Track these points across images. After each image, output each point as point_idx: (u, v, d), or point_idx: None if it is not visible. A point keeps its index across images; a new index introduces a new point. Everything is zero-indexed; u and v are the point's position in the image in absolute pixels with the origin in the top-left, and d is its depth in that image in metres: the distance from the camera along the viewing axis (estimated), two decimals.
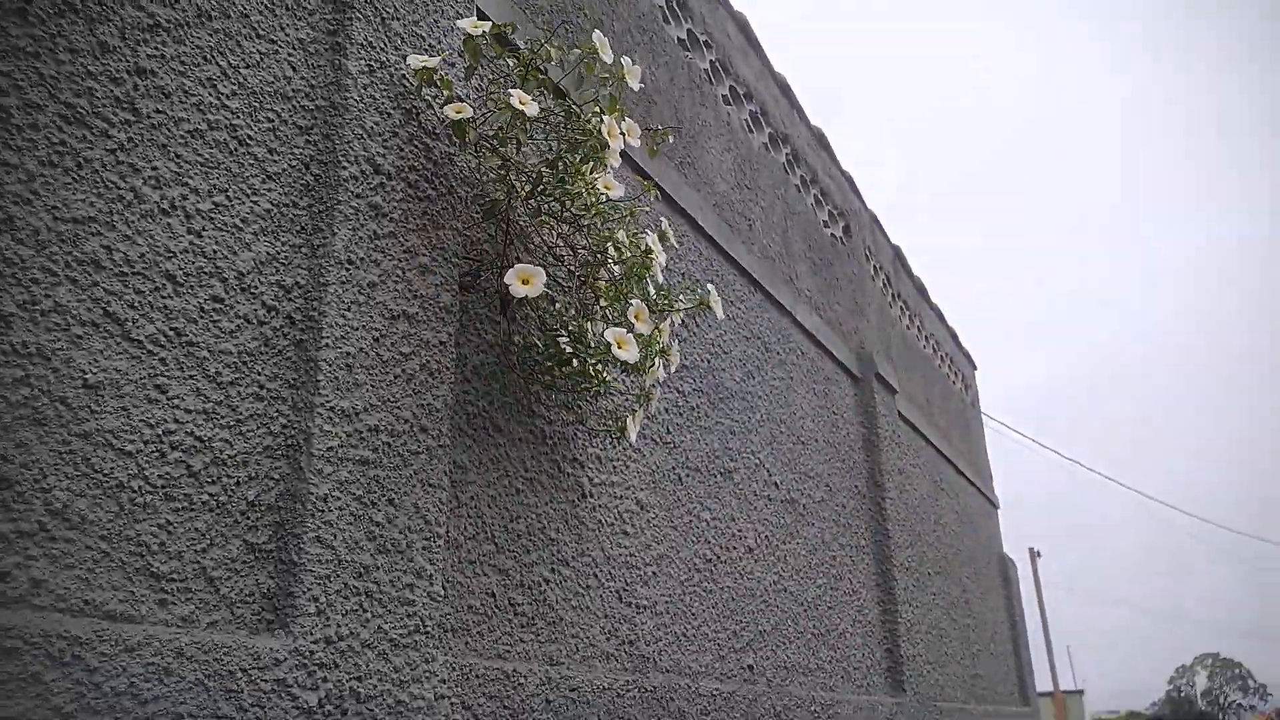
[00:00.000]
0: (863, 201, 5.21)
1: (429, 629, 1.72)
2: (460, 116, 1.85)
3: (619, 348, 1.82)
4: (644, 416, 2.33)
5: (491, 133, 1.88)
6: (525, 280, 1.82)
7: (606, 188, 1.86)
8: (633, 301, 1.97)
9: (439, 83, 1.87)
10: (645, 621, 2.50)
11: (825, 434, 4.07)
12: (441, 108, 1.92)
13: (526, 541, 2.13)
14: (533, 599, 2.11)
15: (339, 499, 1.59)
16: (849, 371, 4.50)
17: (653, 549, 2.61)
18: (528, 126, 1.86)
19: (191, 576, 1.41)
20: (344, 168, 1.74)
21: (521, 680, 1.94)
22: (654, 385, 2.30)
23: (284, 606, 1.49)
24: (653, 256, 2.02)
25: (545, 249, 2.21)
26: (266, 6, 1.70)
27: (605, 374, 1.94)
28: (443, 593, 1.80)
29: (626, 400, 2.52)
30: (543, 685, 2.00)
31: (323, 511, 1.56)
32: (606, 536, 2.42)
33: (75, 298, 1.32)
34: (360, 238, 1.74)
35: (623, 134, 1.93)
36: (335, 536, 1.57)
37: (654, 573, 2.59)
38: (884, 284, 5.46)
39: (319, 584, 1.53)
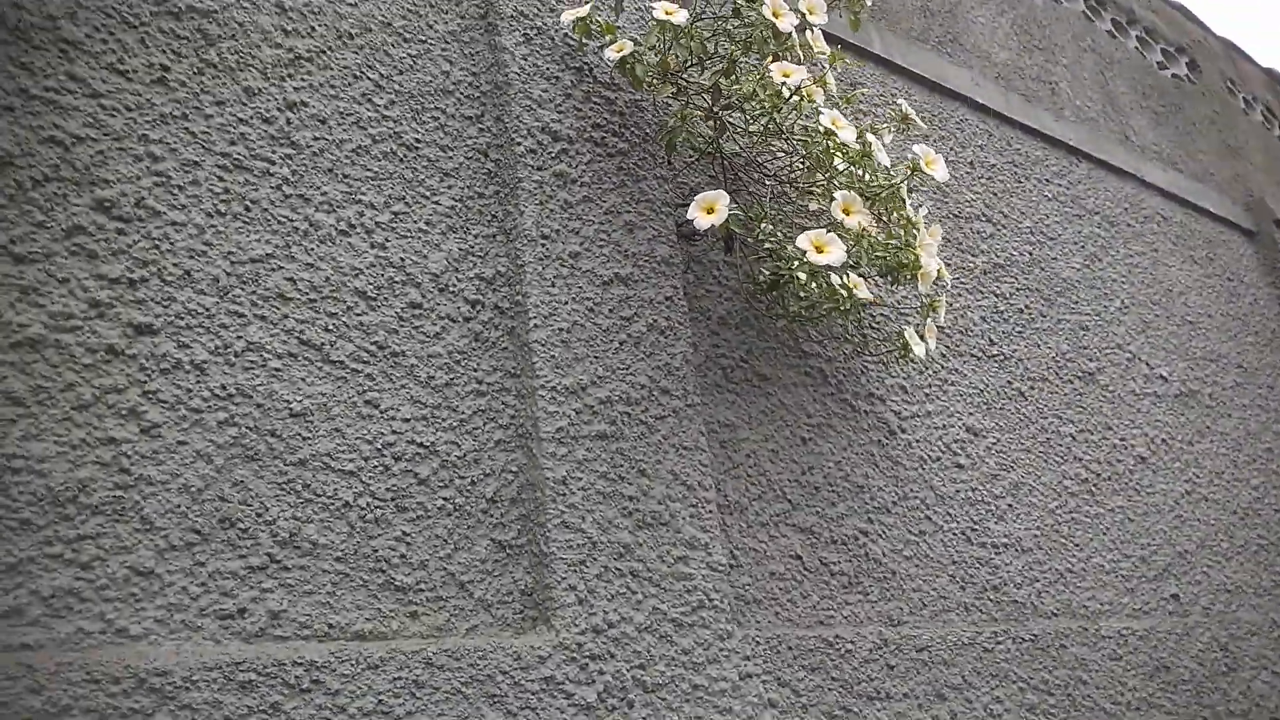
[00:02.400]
0: (1206, 29, 4.31)
1: (717, 603, 1.56)
2: (621, 54, 1.70)
3: (817, 252, 1.54)
4: (936, 328, 2.01)
5: (656, 59, 1.71)
6: (709, 209, 1.61)
7: (785, 75, 1.60)
8: (836, 195, 1.67)
9: (600, 29, 1.74)
10: (1009, 562, 2.15)
11: (1220, 307, 3.35)
12: (601, 53, 1.78)
13: (829, 493, 1.90)
14: (851, 555, 1.88)
15: (580, 479, 1.49)
16: (1237, 226, 3.70)
17: (1001, 479, 2.24)
18: (688, 39, 1.67)
19: (440, 584, 1.37)
20: (518, 144, 1.66)
21: (850, 647, 1.71)
22: (936, 290, 1.97)
23: (544, 600, 1.41)
24: (863, 139, 1.71)
25: (764, 171, 1.98)
26: (410, 10, 1.68)
27: (849, 290, 1.66)
28: (726, 562, 1.63)
29: (914, 316, 2.20)
30: (879, 649, 1.75)
31: (564, 495, 1.46)
32: (934, 473, 2.11)
33: (267, 333, 1.34)
34: (551, 210, 1.65)
35: (801, 12, 1.66)
36: (584, 519, 1.47)
37: (1009, 505, 2.22)
38: (1264, 114, 4.47)
39: (574, 571, 1.43)
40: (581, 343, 1.59)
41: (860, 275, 1.78)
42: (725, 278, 1.93)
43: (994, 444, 2.27)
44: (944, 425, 2.19)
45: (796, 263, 1.56)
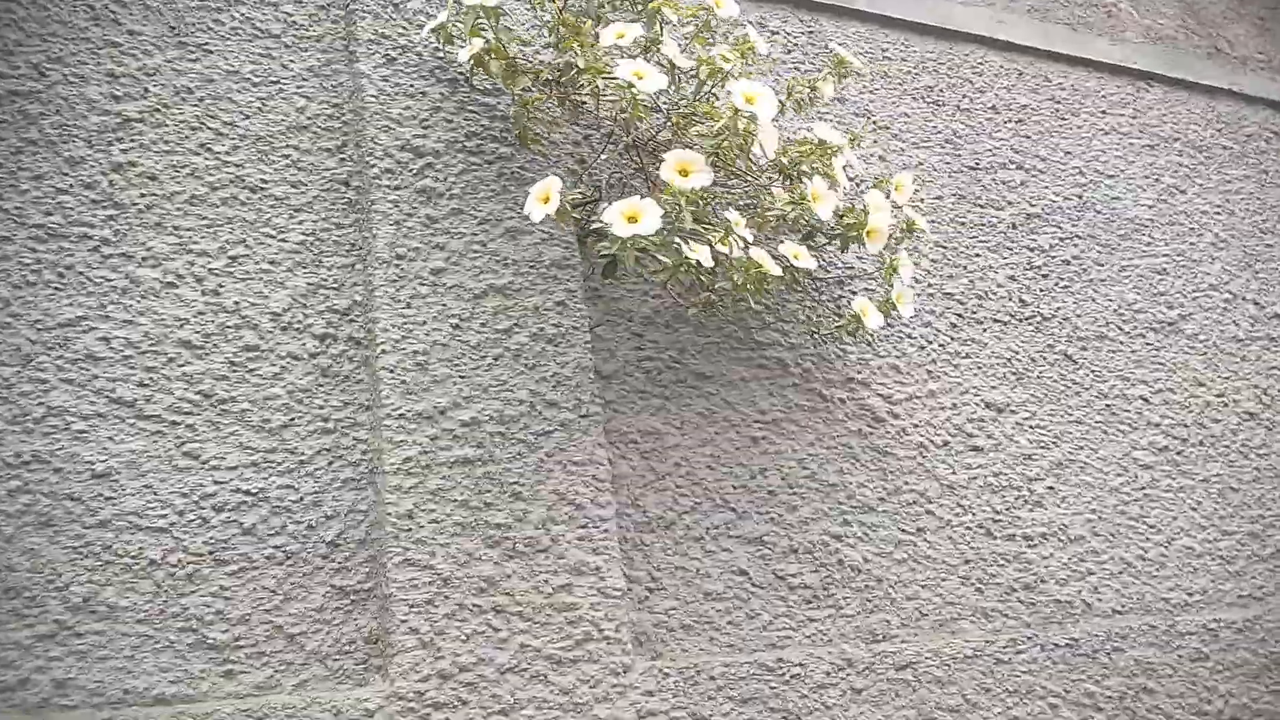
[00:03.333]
0: None
1: (609, 633, 1.37)
2: (474, 52, 1.59)
3: (628, 222, 1.30)
4: (905, 294, 1.73)
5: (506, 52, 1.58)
6: (544, 198, 1.43)
7: (619, 36, 1.42)
8: (666, 156, 1.43)
9: (463, 34, 1.64)
10: (1050, 556, 1.80)
11: None
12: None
13: (787, 497, 1.66)
14: (818, 565, 1.62)
15: (432, 510, 1.36)
16: None
17: (1037, 459, 1.90)
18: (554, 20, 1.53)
19: (264, 639, 1.27)
20: (373, 166, 1.58)
21: (798, 670, 1.46)
22: (897, 247, 1.71)
23: (386, 648, 1.28)
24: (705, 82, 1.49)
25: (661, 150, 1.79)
26: (261, 55, 1.65)
27: (696, 261, 1.42)
28: (623, 587, 1.43)
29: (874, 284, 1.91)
30: (841, 670, 1.49)
31: (409, 530, 1.34)
32: (938, 460, 1.81)
33: (74, 396, 1.31)
34: (410, 228, 1.55)
35: None
36: (434, 554, 1.33)
37: (1049, 489, 1.88)
38: None
39: (416, 612, 1.29)
40: (443, 363, 1.47)
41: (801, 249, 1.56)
42: (656, 272, 1.76)
43: (1027, 419, 1.93)
44: (954, 404, 1.88)
45: (612, 238, 1.36)
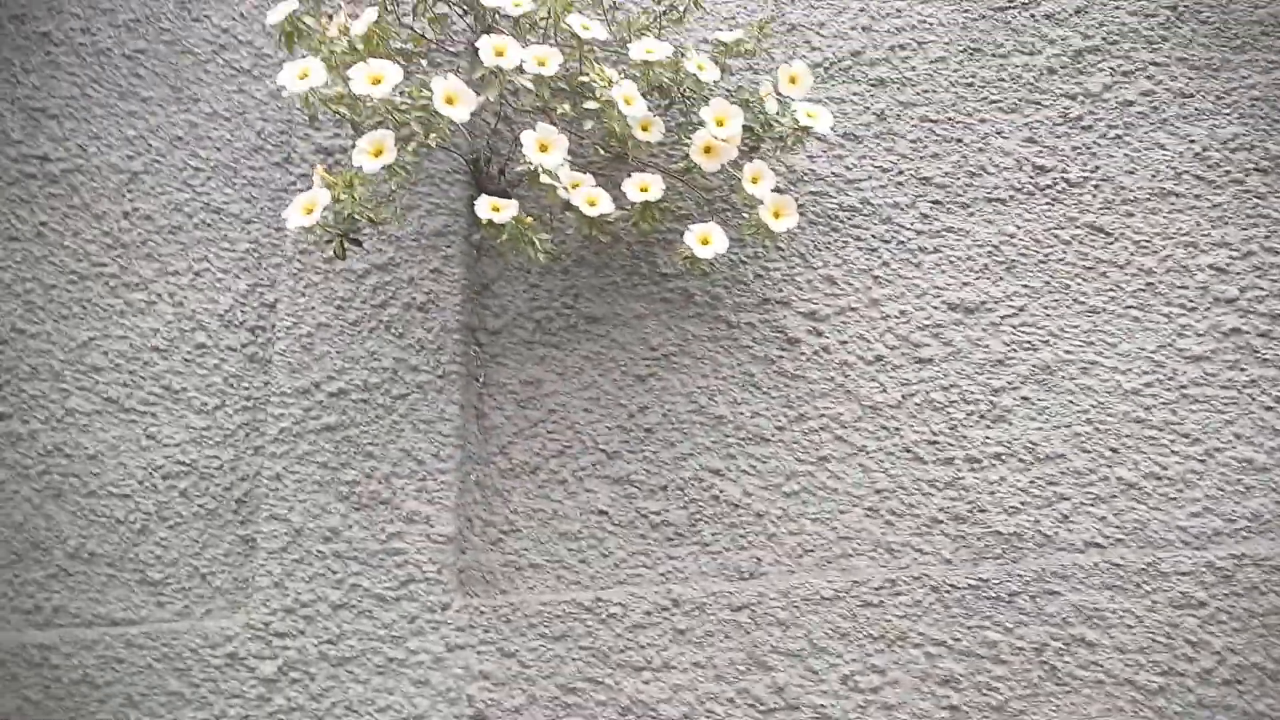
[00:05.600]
0: None
1: (431, 575, 1.54)
2: (278, 21, 1.64)
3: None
4: (785, 204, 1.54)
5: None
6: (377, 151, 1.49)
7: None
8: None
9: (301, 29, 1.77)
10: (999, 480, 1.52)
11: None
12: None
13: (666, 433, 1.64)
14: (687, 501, 1.59)
15: (296, 472, 1.63)
16: None
17: (1013, 364, 1.59)
18: None
19: (185, 578, 1.66)
20: (290, 171, 1.85)
21: (616, 610, 1.49)
22: (781, 150, 1.55)
23: (247, 588, 1.61)
24: None
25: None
26: (234, 91, 1.98)
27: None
28: (451, 533, 1.57)
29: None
30: (662, 610, 1.48)
31: (277, 489, 1.63)
32: (862, 379, 1.62)
33: (84, 400, 1.80)
34: None
35: None
36: (293, 509, 1.61)
37: (1022, 400, 1.56)
38: None
39: (273, 558, 1.59)
40: (324, 342, 1.72)
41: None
42: (560, 223, 1.80)
43: (1007, 317, 1.62)
44: (901, 312, 1.65)
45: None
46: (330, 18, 1.62)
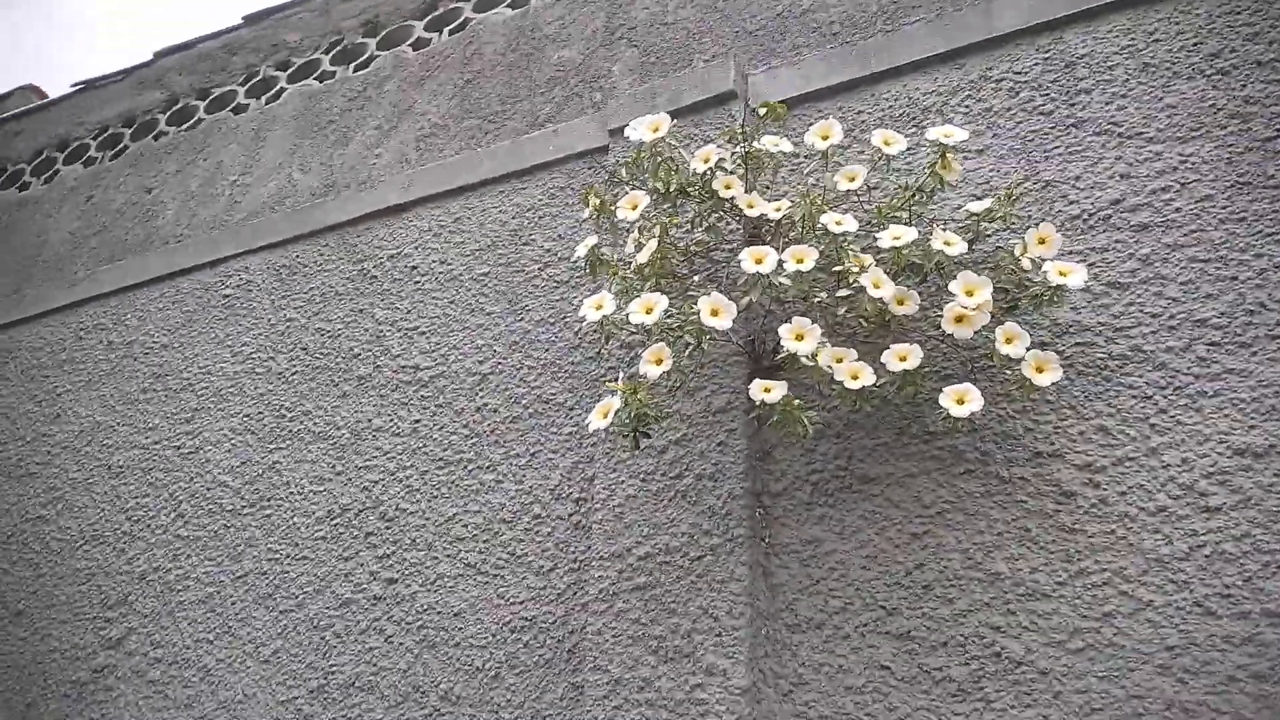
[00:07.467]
0: None
1: None
2: (583, 255, 2.02)
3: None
4: (1047, 360, 1.59)
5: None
6: (657, 360, 1.77)
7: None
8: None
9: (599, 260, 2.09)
10: None
11: None
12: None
13: (944, 590, 1.70)
14: (969, 658, 1.64)
15: (614, 627, 1.88)
16: None
17: None
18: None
19: (529, 719, 1.95)
20: (602, 366, 2.18)
21: None
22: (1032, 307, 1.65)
23: None
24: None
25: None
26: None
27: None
28: (747, 685, 1.71)
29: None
30: None
31: (600, 643, 1.88)
32: (1145, 532, 1.60)
33: (450, 566, 2.19)
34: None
35: None
36: (611, 661, 1.86)
37: None
38: None
39: (598, 704, 1.83)
40: (633, 511, 1.98)
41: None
42: (831, 390, 1.96)
43: None
44: (1184, 460, 1.62)
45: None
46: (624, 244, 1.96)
